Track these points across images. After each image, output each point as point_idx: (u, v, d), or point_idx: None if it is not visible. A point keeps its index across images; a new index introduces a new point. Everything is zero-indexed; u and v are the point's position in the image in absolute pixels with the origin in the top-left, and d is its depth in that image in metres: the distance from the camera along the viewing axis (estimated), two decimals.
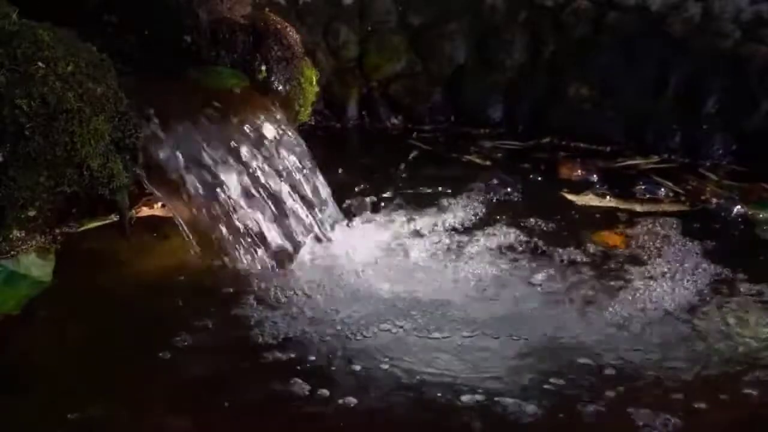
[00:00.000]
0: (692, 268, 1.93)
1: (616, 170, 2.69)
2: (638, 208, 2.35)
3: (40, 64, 1.52)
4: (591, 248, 2.05)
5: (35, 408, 1.38)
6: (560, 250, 2.02)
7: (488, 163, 2.75)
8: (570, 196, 2.43)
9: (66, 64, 1.56)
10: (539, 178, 2.61)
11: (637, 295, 1.81)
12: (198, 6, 2.15)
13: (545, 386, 1.47)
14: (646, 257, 2.00)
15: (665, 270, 1.92)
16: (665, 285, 1.85)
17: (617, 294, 1.82)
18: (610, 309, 1.76)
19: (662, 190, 2.48)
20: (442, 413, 1.40)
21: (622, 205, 2.37)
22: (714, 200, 2.42)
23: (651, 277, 1.89)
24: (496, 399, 1.42)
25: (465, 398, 1.43)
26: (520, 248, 2.04)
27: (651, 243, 2.08)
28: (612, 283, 1.88)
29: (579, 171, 2.64)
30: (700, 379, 1.51)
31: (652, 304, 1.78)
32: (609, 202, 2.40)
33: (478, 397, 1.43)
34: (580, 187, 2.50)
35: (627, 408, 1.41)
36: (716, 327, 1.69)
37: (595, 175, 2.58)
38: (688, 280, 1.88)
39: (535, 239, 2.08)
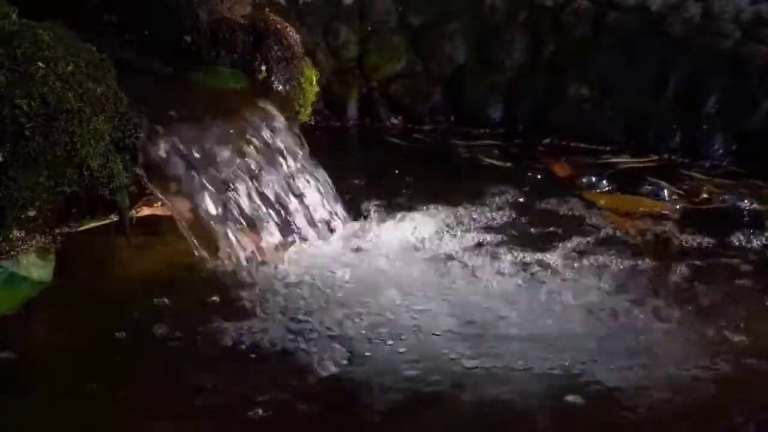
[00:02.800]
0: None
1: (600, 166, 2.70)
2: (654, 207, 2.36)
3: (40, 64, 1.52)
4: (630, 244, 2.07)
5: (35, 408, 1.38)
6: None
7: (509, 164, 2.75)
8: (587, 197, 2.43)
9: (66, 64, 1.56)
10: (546, 179, 2.62)
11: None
12: (198, 6, 2.15)
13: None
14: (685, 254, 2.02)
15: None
16: None
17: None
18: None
19: (665, 191, 2.48)
20: None
21: (639, 205, 2.37)
22: (722, 197, 2.43)
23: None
24: None
25: None
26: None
27: (689, 240, 2.10)
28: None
29: (573, 170, 2.65)
30: None
31: None
32: (626, 201, 2.41)
33: None
34: (588, 186, 2.51)
35: None
36: None
37: (594, 177, 2.58)
38: None
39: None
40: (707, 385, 1.49)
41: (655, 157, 2.83)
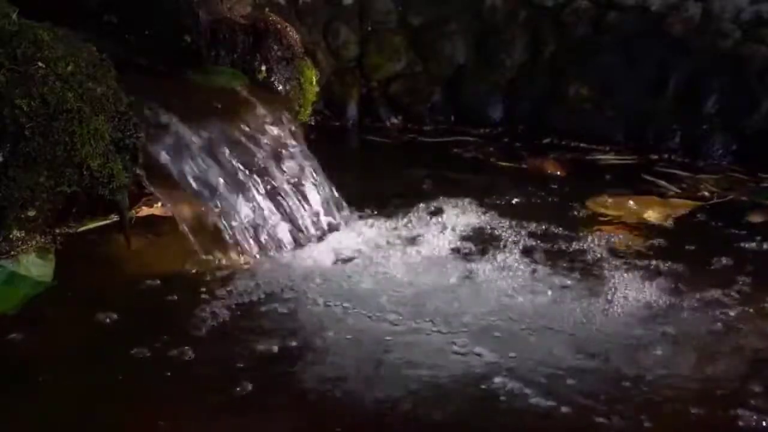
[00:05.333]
0: None
1: (599, 165, 2.73)
2: (655, 206, 2.36)
3: (40, 64, 1.52)
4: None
5: (35, 408, 1.38)
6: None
7: (509, 164, 2.75)
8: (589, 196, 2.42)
9: (66, 64, 1.56)
10: (546, 178, 2.62)
11: None
12: (198, 6, 2.15)
13: None
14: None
15: None
16: None
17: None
18: None
19: (667, 190, 2.49)
20: None
21: (639, 204, 2.37)
22: (723, 196, 2.45)
23: None
24: None
25: None
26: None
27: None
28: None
29: (571, 170, 2.66)
30: None
31: None
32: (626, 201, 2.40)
33: None
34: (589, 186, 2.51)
35: None
36: None
37: (594, 178, 2.58)
38: None
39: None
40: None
41: (655, 156, 2.83)
